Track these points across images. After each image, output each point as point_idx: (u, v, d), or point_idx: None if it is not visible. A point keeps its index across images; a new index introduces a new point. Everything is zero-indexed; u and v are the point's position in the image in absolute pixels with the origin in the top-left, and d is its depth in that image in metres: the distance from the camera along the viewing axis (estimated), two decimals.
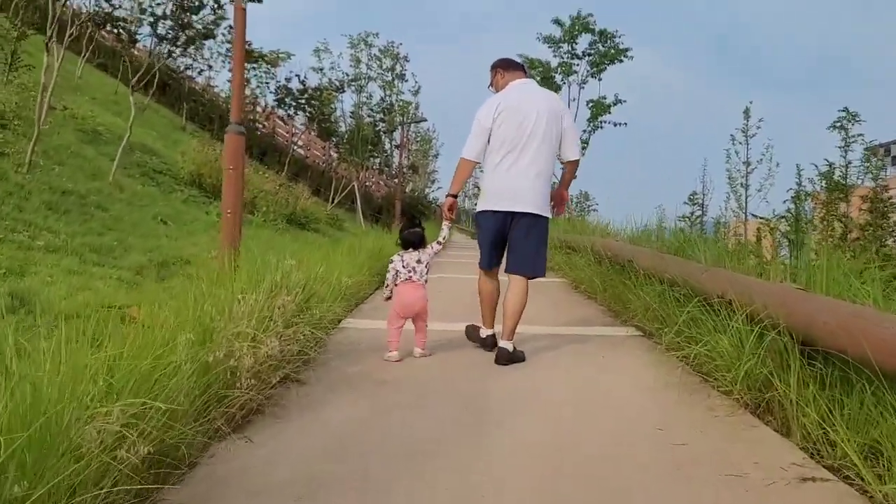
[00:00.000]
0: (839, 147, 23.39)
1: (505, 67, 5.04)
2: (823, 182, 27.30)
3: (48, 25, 8.62)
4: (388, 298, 4.76)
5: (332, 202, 22.48)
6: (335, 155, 26.20)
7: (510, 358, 4.60)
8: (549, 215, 4.86)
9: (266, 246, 10.65)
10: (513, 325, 4.69)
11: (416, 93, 26.51)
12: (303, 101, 22.76)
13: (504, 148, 4.66)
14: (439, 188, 52.67)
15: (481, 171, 4.96)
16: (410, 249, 4.68)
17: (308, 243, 12.80)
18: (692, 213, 37.22)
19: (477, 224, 5.04)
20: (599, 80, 18.58)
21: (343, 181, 24.45)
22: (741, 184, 35.45)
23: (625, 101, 18.39)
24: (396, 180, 29.11)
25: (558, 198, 5.14)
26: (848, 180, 24.44)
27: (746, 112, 30.00)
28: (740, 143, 31.70)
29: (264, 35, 38.59)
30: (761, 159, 34.67)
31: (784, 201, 32.92)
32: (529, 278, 4.78)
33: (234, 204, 6.97)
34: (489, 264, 4.93)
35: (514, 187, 4.66)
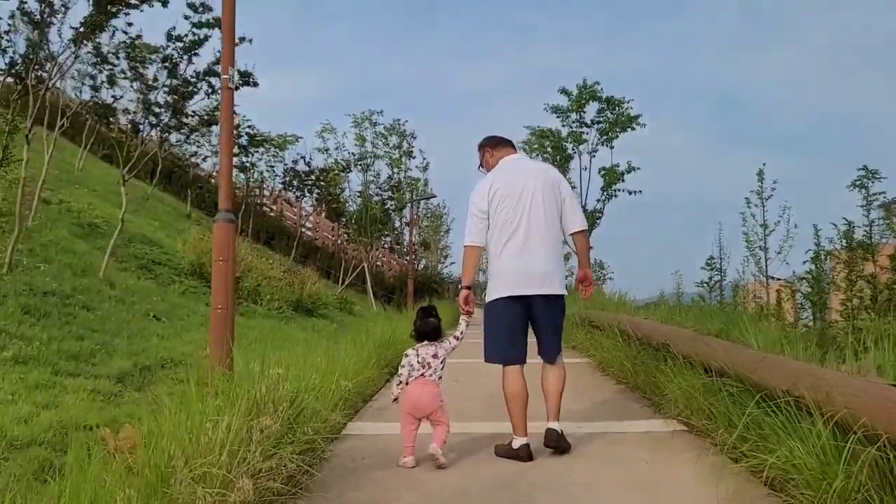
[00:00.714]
0: (860, 206, 22.67)
1: (493, 145, 4.83)
2: (844, 241, 26.55)
3: (28, 116, 8.21)
4: (396, 400, 4.35)
5: (342, 284, 21.91)
6: (344, 235, 25.75)
7: (560, 441, 4.34)
8: (566, 292, 4.58)
9: (268, 338, 10.02)
10: (558, 404, 4.44)
11: (424, 169, 26.19)
12: (309, 183, 22.45)
13: (507, 228, 4.43)
14: (452, 263, 52.10)
15: (485, 257, 4.71)
16: (426, 342, 4.31)
17: (315, 331, 12.16)
18: (710, 279, 36.28)
19: (486, 316, 4.60)
20: (611, 147, 18.13)
21: (353, 262, 23.94)
22: (760, 247, 34.70)
23: (638, 169, 17.93)
24: (408, 258, 28.58)
25: (584, 279, 4.80)
26: (872, 239, 23.65)
27: (760, 174, 29.33)
28: (755, 205, 30.96)
29: (269, 120, 38.71)
30: (779, 221, 33.64)
31: (803, 262, 31.65)
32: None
33: (225, 299, 6.36)
34: (515, 357, 4.45)
35: (530, 270, 4.38)
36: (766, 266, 33.47)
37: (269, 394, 3.71)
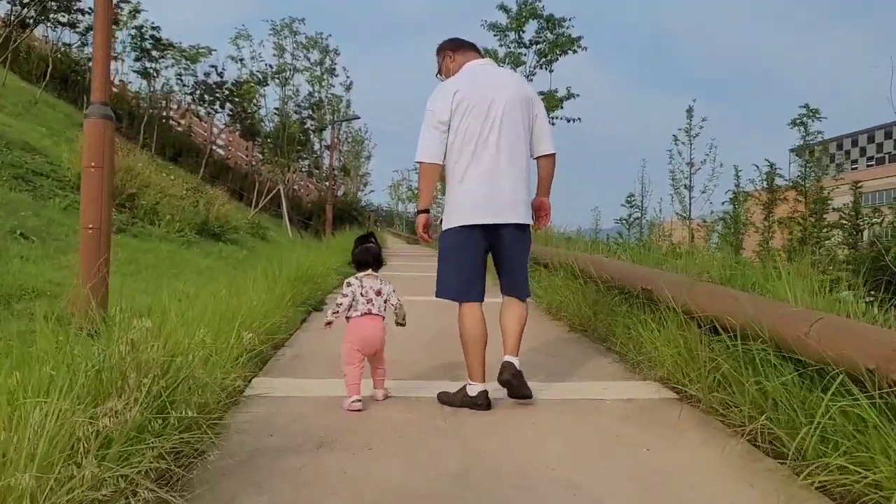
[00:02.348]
0: (800, 142, 22.34)
1: (455, 48, 4.27)
2: (766, 182, 26.50)
3: None
4: (329, 325, 3.97)
5: (255, 207, 20.32)
6: (259, 156, 23.96)
7: (517, 378, 3.85)
8: (531, 221, 4.08)
9: (164, 264, 8.62)
10: (517, 341, 3.96)
11: (347, 88, 24.48)
12: (221, 97, 20.54)
13: (471, 145, 3.87)
14: (372, 191, 50.60)
15: (442, 176, 4.11)
16: (369, 272, 3.98)
17: (222, 258, 10.78)
18: (629, 216, 36.08)
19: (444, 245, 4.06)
20: (550, 71, 16.93)
21: (268, 185, 22.28)
22: (685, 185, 34.49)
23: (577, 96, 16.83)
24: (327, 183, 26.99)
25: (540, 207, 4.23)
26: (807, 180, 23.43)
27: (689, 111, 28.86)
28: (683, 143, 30.58)
29: (184, 37, 35.49)
30: (705, 160, 33.52)
31: (722, 203, 31.53)
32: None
33: (98, 215, 5.00)
34: (474, 294, 3.96)
35: (496, 194, 3.86)
36: (690, 205, 33.30)
37: (130, 359, 2.45)
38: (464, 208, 3.89)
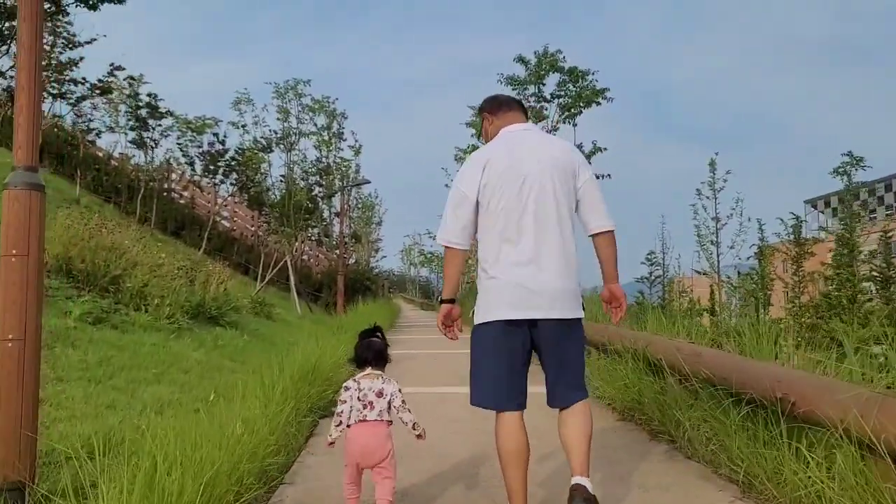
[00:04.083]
0: (846, 189, 21.05)
1: (494, 109, 3.73)
2: (791, 235, 25.13)
3: None
4: (332, 444, 3.47)
5: (261, 282, 18.97)
6: (266, 226, 22.73)
7: (590, 497, 3.14)
8: (582, 314, 3.46)
9: (143, 365, 7.21)
10: (585, 456, 3.26)
11: (357, 152, 23.36)
12: (223, 164, 19.41)
13: (506, 226, 3.33)
14: (384, 257, 49.58)
15: (474, 260, 3.36)
16: (368, 369, 3.46)
17: (217, 347, 9.35)
18: (650, 273, 34.67)
19: (475, 344, 3.47)
20: (574, 125, 15.69)
21: (275, 256, 20.99)
22: (711, 241, 33.19)
23: (605, 149, 15.60)
24: (338, 252, 25.70)
25: (612, 298, 3.61)
26: (854, 232, 22.12)
27: (712, 164, 27.75)
28: (707, 196, 29.38)
29: (191, 109, 34.63)
30: (731, 214, 32.24)
31: (747, 258, 30.21)
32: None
33: (22, 323, 3.62)
34: (513, 401, 3.34)
35: (538, 285, 3.29)
36: (718, 261, 31.89)
37: None
38: (496, 301, 3.34)
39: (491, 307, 3.35)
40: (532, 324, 3.30)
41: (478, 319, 3.42)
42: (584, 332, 3.51)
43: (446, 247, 3.45)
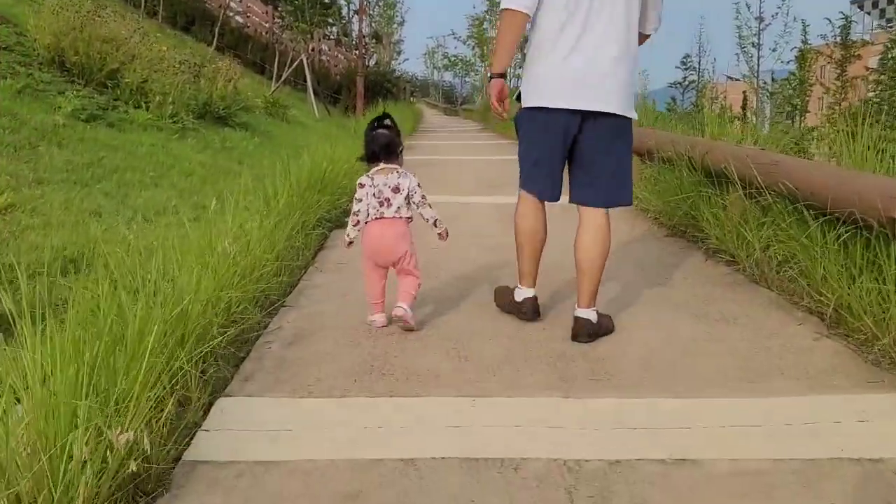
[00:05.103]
0: None
1: None
2: (839, 37, 23.50)
3: None
4: (351, 244, 3.33)
5: (276, 82, 17.96)
6: (280, 21, 21.31)
7: (594, 330, 3.12)
8: (635, 116, 3.19)
9: (141, 167, 6.54)
10: (594, 284, 3.15)
11: None
12: None
13: (567, 6, 2.97)
14: (406, 59, 47.78)
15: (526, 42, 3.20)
16: (381, 165, 3.19)
17: (224, 149, 8.68)
18: (684, 79, 33.07)
19: (521, 127, 3.26)
20: None
21: (291, 55, 19.80)
22: (753, 43, 31.26)
23: None
24: (357, 52, 24.31)
25: None
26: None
27: None
28: None
29: None
30: (776, 13, 30.22)
31: (788, 62, 28.61)
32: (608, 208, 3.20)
33: None
34: (548, 191, 3.24)
35: (589, 72, 3.01)
36: (759, 65, 30.23)
37: None
38: (544, 85, 3.10)
39: (537, 92, 3.11)
40: (581, 115, 3.04)
41: (526, 102, 3.16)
42: (632, 138, 3.26)
43: (509, 10, 3.04)
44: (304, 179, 5.28)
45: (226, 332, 2.82)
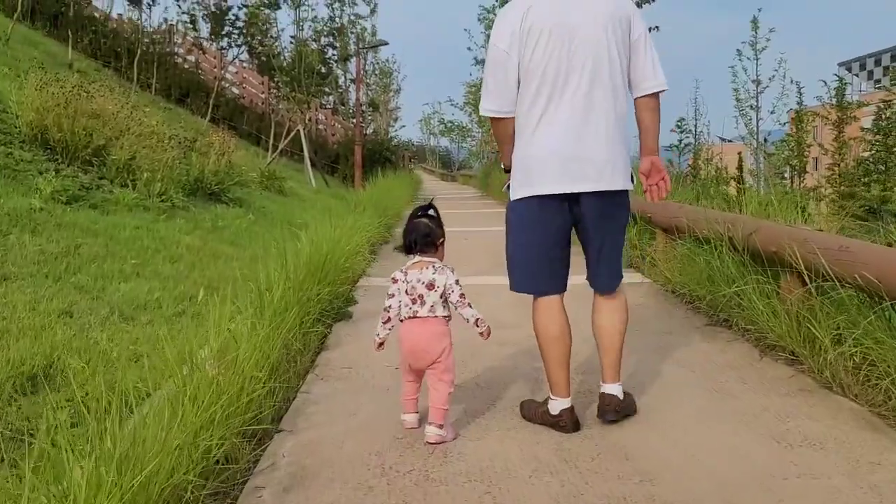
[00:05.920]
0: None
1: None
2: (834, 99, 23.33)
3: None
4: (381, 346, 3.07)
5: (272, 153, 17.60)
6: (276, 91, 21.10)
7: (622, 408, 3.04)
8: (631, 186, 3.05)
9: (122, 255, 5.99)
10: (617, 358, 3.06)
11: (372, 10, 21.40)
12: (227, 24, 17.65)
13: (546, 87, 2.91)
14: (402, 126, 48.12)
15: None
16: (416, 257, 2.95)
17: (215, 230, 8.16)
18: (680, 142, 33.00)
19: (510, 222, 3.12)
20: None
21: (287, 125, 19.51)
22: (751, 105, 31.28)
23: (653, 1, 13.80)
24: (354, 121, 24.10)
25: (652, 170, 3.05)
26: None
27: (754, 22, 25.56)
28: (748, 58, 27.43)
29: None
30: (773, 76, 30.20)
31: (784, 123, 28.63)
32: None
33: None
34: (553, 285, 3.07)
35: (580, 151, 2.89)
36: (758, 128, 30.17)
37: None
38: (534, 172, 2.96)
39: (531, 180, 2.97)
40: (571, 199, 2.94)
41: (514, 195, 3.05)
42: (629, 209, 3.17)
43: (493, 119, 3.08)
44: (302, 267, 4.73)
45: (204, 487, 2.24)
